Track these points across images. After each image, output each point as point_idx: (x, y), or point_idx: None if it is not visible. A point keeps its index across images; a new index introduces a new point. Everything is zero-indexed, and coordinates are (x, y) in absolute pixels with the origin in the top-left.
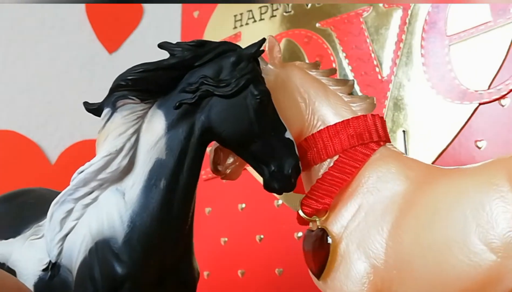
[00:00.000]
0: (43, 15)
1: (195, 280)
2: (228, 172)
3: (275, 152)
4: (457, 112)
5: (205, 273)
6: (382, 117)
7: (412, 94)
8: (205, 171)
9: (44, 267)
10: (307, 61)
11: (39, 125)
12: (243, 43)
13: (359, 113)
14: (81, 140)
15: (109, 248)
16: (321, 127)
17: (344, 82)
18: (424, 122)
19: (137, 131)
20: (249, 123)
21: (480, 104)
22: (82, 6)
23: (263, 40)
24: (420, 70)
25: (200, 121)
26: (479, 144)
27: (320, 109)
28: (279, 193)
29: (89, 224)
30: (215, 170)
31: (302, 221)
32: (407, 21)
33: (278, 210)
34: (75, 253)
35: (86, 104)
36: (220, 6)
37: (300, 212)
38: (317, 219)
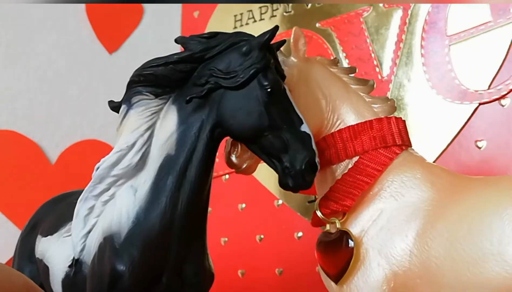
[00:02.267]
0: (43, 15)
1: (204, 282)
2: (244, 166)
3: (288, 146)
4: (457, 112)
5: None
6: (404, 121)
7: (412, 94)
8: None
9: (69, 263)
10: None
11: (39, 125)
12: None
13: (381, 115)
14: (81, 140)
15: (112, 243)
16: (341, 127)
17: (365, 82)
18: (424, 122)
19: (152, 128)
20: (259, 115)
21: (480, 104)
22: (82, 6)
23: (276, 27)
24: (420, 70)
25: (210, 116)
26: (479, 144)
27: (340, 107)
28: (295, 191)
29: (103, 221)
30: (229, 162)
31: (317, 222)
32: (407, 21)
33: (278, 210)
34: (91, 249)
35: (110, 103)
36: (220, 6)
37: (318, 213)
38: (336, 221)
